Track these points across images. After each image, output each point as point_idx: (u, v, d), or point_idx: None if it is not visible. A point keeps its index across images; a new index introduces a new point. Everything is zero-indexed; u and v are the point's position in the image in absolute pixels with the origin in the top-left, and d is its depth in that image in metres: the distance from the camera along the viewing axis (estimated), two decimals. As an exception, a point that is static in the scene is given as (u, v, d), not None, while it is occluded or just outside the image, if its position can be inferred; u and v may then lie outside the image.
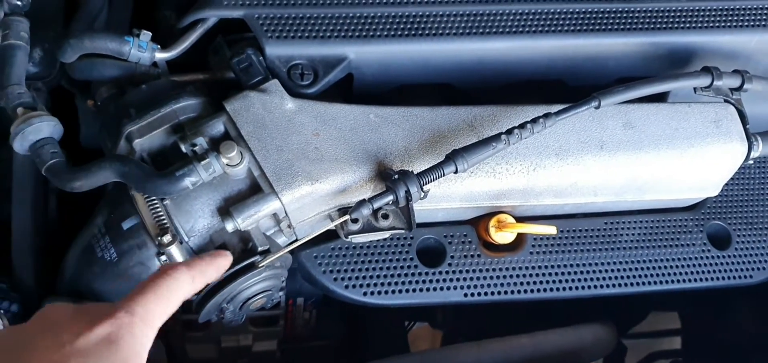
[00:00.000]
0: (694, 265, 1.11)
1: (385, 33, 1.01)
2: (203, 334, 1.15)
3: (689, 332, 1.68)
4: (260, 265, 0.88)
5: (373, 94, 1.05)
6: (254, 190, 0.91)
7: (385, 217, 0.95)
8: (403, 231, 0.95)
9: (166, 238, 0.87)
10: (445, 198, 0.98)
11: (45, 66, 1.02)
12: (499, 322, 1.31)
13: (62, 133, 0.91)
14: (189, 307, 1.14)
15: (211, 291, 0.89)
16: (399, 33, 1.02)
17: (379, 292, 1.02)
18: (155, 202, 0.89)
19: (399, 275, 1.02)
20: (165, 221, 0.88)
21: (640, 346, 1.74)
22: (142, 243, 0.88)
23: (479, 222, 1.05)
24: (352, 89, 1.05)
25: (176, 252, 0.88)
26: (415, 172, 0.90)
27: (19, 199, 1.03)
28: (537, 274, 1.05)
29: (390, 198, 0.89)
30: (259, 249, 0.90)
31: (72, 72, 1.01)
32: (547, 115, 0.94)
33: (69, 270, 0.93)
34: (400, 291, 1.02)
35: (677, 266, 1.10)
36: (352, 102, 1.00)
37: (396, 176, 0.90)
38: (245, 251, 0.90)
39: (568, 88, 1.10)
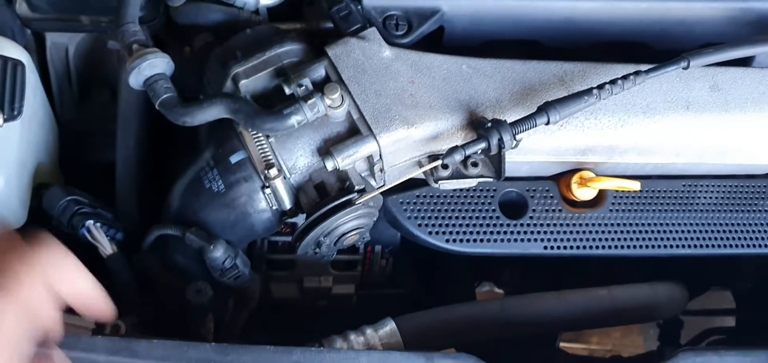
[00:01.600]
0: (770, 232, 1.12)
1: (478, -12, 1.05)
2: (287, 274, 1.21)
3: (743, 312, 1.68)
4: (357, 203, 0.93)
5: (462, 47, 1.08)
6: (353, 132, 0.95)
7: (474, 165, 0.99)
8: (490, 179, 0.99)
9: (272, 172, 0.92)
10: (533, 150, 1.01)
11: (150, 10, 1.08)
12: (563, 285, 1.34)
13: (173, 69, 0.96)
14: (274, 247, 1.20)
15: (309, 225, 0.94)
16: (491, -12, 1.05)
17: (461, 240, 1.05)
18: (261, 139, 0.94)
19: (481, 225, 1.06)
20: (270, 157, 0.93)
21: (695, 323, 1.75)
22: (248, 176, 0.94)
23: (561, 178, 1.08)
24: (442, 42, 1.08)
25: (280, 186, 0.93)
26: (506, 122, 0.93)
27: (123, 135, 1.09)
28: (616, 231, 1.08)
29: (482, 145, 0.93)
30: (356, 188, 0.94)
31: (177, 16, 1.06)
32: (637, 73, 0.96)
33: (176, 200, 0.99)
34: (482, 240, 1.06)
35: (754, 231, 1.11)
36: (444, 52, 1.03)
37: (489, 124, 0.94)
38: (342, 190, 0.95)
39: (653, 51, 1.11)
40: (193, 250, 0.97)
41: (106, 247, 0.99)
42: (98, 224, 1.00)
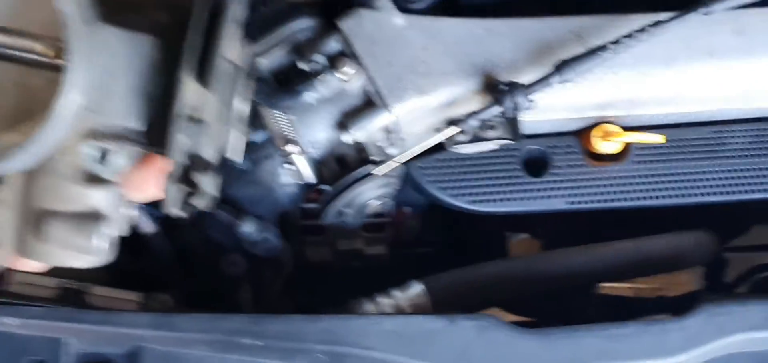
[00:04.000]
0: (804, 174, 1.09)
1: (490, -54, 1.03)
2: (321, 238, 1.25)
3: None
4: (376, 174, 0.96)
5: (479, 5, 1.07)
6: (368, 104, 0.97)
7: (492, 127, 0.99)
8: (509, 141, 0.99)
9: (293, 148, 0.95)
10: (551, 108, 1.01)
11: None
12: (602, 234, 1.33)
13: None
14: (308, 214, 1.24)
15: (332, 196, 0.97)
16: (503, -55, 1.03)
17: (485, 201, 1.06)
18: (281, 116, 0.97)
19: (504, 184, 1.07)
20: (290, 133, 0.96)
21: (742, 260, 1.72)
22: (270, 153, 0.97)
23: (584, 132, 1.07)
24: (457, 2, 1.08)
25: (302, 161, 0.96)
26: (522, 84, 0.93)
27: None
28: (641, 183, 1.07)
29: (497, 109, 0.94)
30: (375, 159, 0.97)
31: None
32: (654, 24, 0.94)
33: (205, 179, 1.04)
34: (505, 199, 1.06)
35: (789, 174, 1.09)
36: (459, 14, 1.03)
37: (503, 87, 0.94)
38: (361, 161, 0.98)
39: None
40: (225, 225, 1.02)
41: (148, 226, 1.05)
42: (138, 204, 1.06)
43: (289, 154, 0.96)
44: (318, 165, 1.00)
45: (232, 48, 0.47)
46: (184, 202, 0.48)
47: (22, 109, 0.46)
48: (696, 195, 1.07)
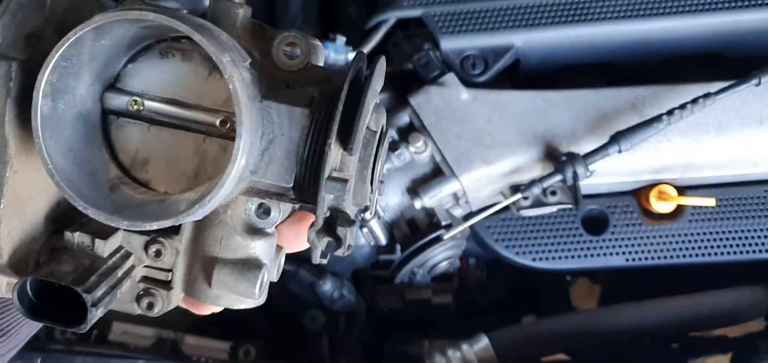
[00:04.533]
0: None
1: (550, 20, 1.11)
2: (390, 287, 1.34)
3: None
4: (445, 238, 1.04)
5: (539, 75, 1.15)
6: (437, 172, 1.06)
7: (553, 193, 1.07)
8: (569, 206, 1.06)
9: (368, 214, 1.04)
10: (609, 173, 1.07)
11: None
12: (658, 280, 1.37)
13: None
14: (379, 265, 1.33)
15: (405, 259, 1.06)
16: (563, 19, 1.11)
17: (547, 258, 1.13)
18: (357, 185, 1.06)
19: (565, 243, 1.13)
20: (365, 201, 1.05)
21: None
22: (348, 219, 1.07)
23: (640, 192, 1.13)
24: (518, 72, 1.16)
25: (375, 225, 1.05)
26: (581, 154, 1.00)
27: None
28: (696, 241, 1.12)
29: (558, 178, 1.01)
30: (443, 223, 1.05)
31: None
32: (706, 95, 1.00)
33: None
34: (566, 257, 1.13)
35: (844, 230, 1.12)
36: (520, 83, 1.11)
37: (564, 158, 1.01)
38: (431, 225, 1.06)
39: (728, 61, 1.13)
40: (306, 283, 1.12)
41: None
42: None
43: (365, 219, 1.05)
44: (390, 227, 1.08)
45: (370, 116, 0.56)
46: (326, 253, 0.57)
47: (200, 171, 0.56)
48: (750, 252, 1.11)
